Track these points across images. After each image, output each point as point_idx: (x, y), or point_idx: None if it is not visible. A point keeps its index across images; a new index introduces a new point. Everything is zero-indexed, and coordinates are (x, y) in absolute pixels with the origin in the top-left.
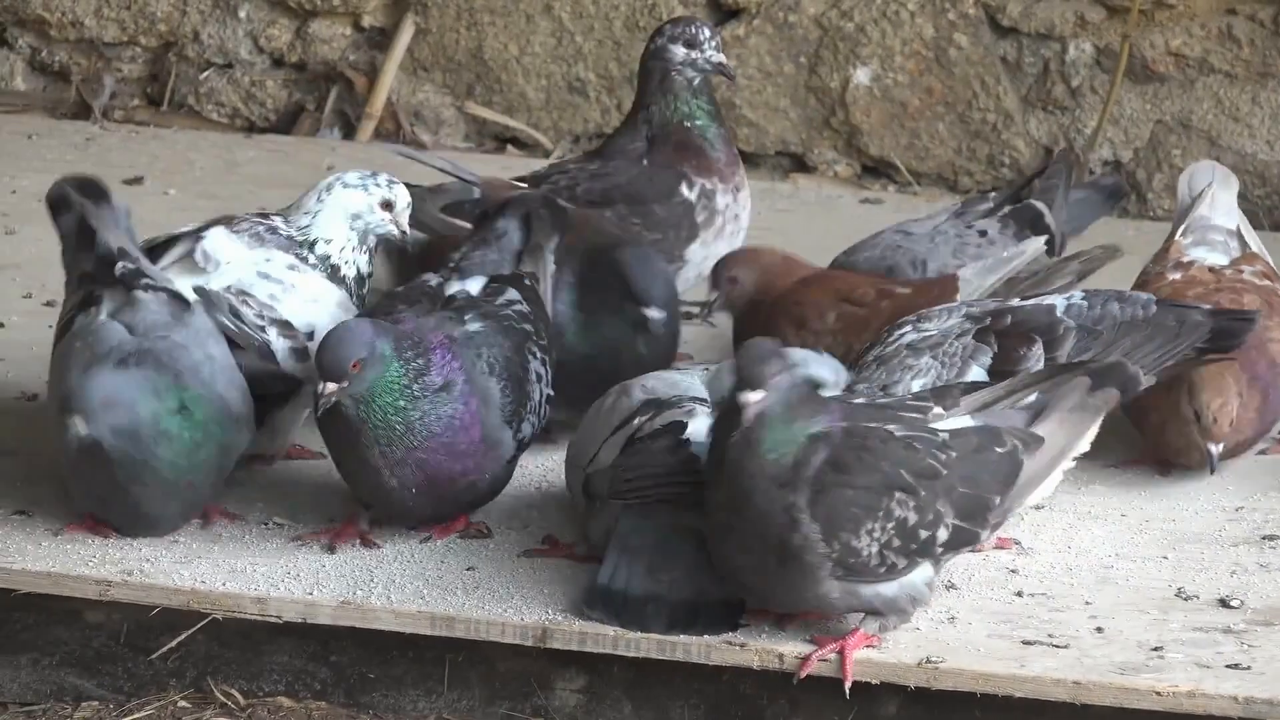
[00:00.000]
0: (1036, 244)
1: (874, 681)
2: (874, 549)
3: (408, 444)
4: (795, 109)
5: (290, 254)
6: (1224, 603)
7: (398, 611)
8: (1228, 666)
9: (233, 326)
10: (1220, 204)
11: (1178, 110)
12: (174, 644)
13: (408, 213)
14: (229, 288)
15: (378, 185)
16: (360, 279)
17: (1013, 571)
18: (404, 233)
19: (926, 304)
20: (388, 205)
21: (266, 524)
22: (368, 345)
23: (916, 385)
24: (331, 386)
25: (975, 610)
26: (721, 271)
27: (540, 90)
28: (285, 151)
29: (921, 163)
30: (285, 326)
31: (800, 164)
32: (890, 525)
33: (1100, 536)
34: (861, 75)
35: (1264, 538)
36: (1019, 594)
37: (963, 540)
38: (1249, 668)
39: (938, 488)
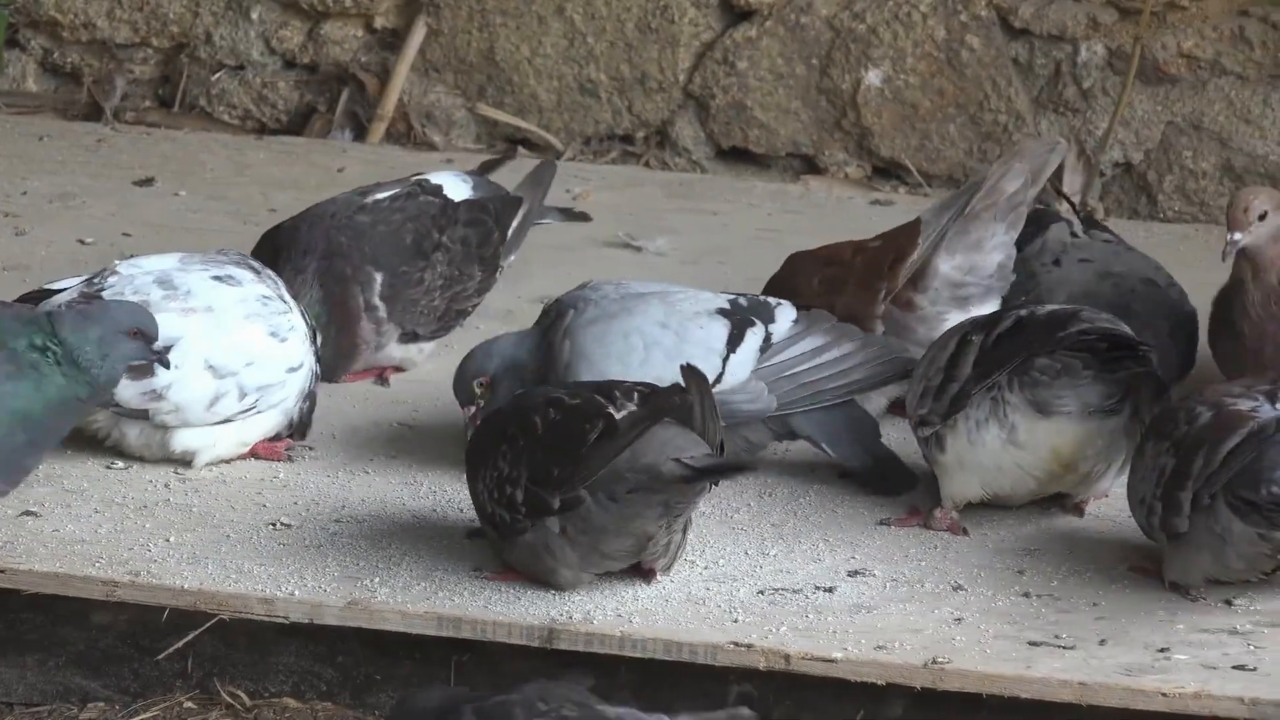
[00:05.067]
0: (990, 168)
1: (880, 682)
2: None
3: None
4: (806, 110)
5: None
6: (1230, 604)
7: (405, 612)
8: (1234, 668)
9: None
10: None
11: (1189, 112)
12: (180, 645)
13: None
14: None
15: None
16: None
17: (1019, 573)
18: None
19: (894, 252)
20: None
21: (274, 525)
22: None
23: None
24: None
25: (982, 611)
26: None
27: (552, 92)
28: (296, 153)
29: (933, 164)
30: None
31: (811, 165)
32: None
33: (1107, 537)
34: (873, 77)
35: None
36: (1026, 595)
37: None
38: (1255, 669)
39: None
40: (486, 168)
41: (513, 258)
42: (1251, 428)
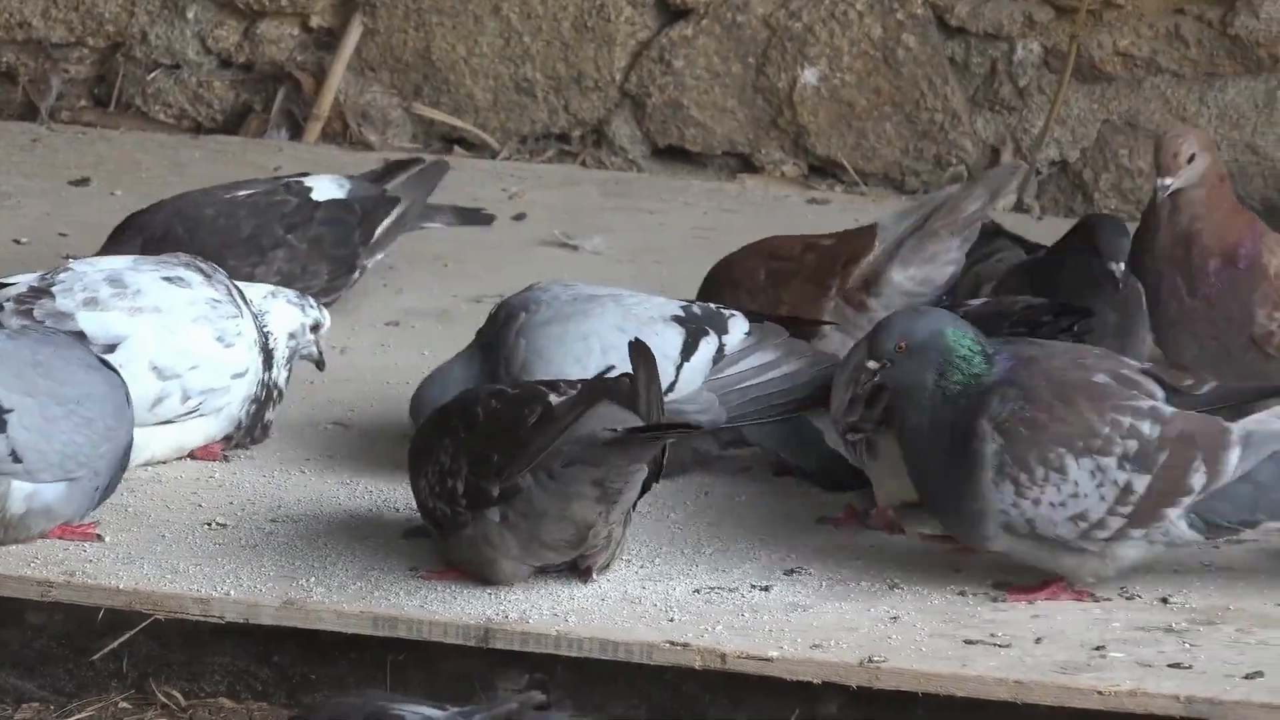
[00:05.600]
0: (953, 188)
1: (815, 681)
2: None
3: None
4: (742, 109)
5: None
6: (1166, 602)
7: (340, 612)
8: (1169, 665)
9: None
10: None
11: (1125, 110)
12: (116, 645)
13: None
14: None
15: (311, 308)
16: (279, 390)
17: (955, 571)
18: (322, 354)
19: (849, 252)
20: (316, 328)
21: (209, 525)
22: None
23: None
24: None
25: (918, 609)
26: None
27: (488, 91)
28: (232, 152)
29: (869, 163)
30: None
31: (747, 164)
32: None
33: None
34: (809, 75)
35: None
36: (961, 593)
37: None
38: (1190, 667)
39: None
40: (390, 170)
41: (380, 256)
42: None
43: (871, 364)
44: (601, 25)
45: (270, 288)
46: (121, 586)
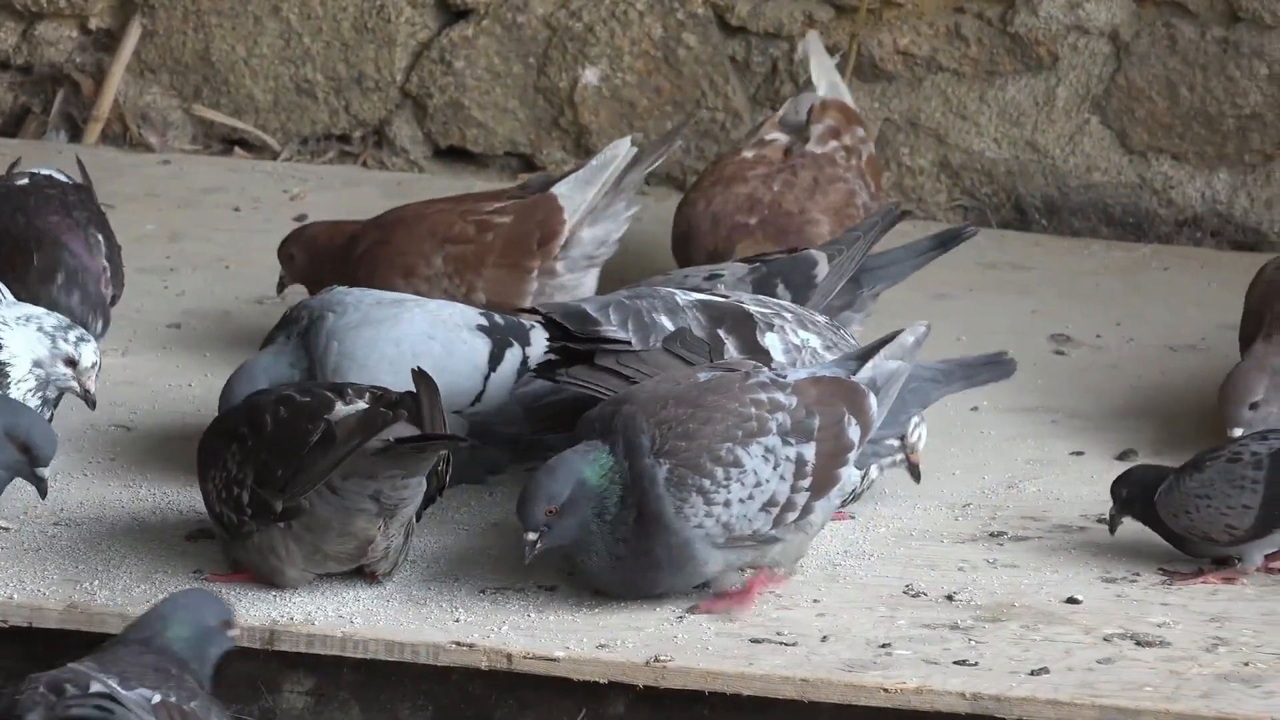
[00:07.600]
0: (624, 144)
1: (602, 680)
2: None
3: None
4: (524, 109)
5: None
6: (951, 599)
7: (125, 615)
8: (955, 663)
9: None
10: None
11: (906, 109)
12: None
13: (95, 371)
14: None
15: (66, 341)
16: None
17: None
18: (87, 391)
19: (540, 230)
20: (70, 363)
21: None
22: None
23: None
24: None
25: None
26: (282, 252)
27: (268, 92)
28: (11, 155)
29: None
30: None
31: (529, 164)
32: None
33: (828, 534)
34: (590, 75)
35: (991, 535)
36: None
37: None
38: (976, 664)
39: None
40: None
41: None
42: None
43: (531, 536)
44: (382, 26)
45: (29, 311)
46: None
